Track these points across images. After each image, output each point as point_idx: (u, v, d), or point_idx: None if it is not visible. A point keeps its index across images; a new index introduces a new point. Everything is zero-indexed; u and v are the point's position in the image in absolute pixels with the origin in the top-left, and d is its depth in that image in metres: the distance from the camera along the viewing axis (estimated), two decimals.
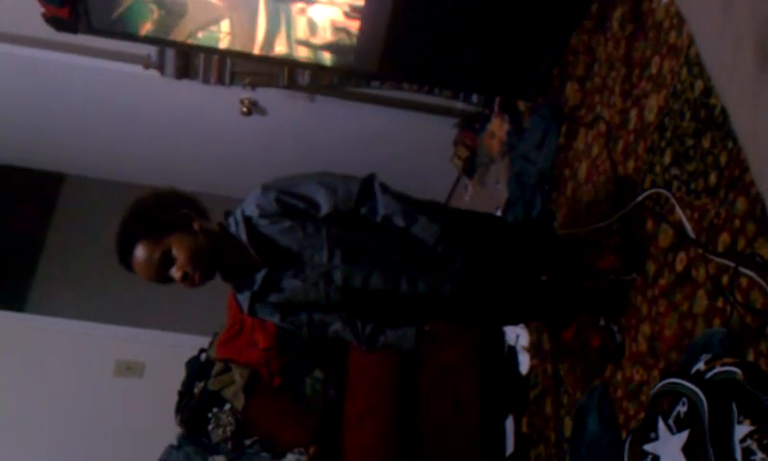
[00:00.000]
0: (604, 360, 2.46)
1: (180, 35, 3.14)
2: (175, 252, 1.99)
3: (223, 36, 3.17)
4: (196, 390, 3.51)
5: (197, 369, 3.62)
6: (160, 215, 2.02)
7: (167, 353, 4.05)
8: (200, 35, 3.16)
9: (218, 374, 3.51)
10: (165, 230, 2.00)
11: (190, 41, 3.20)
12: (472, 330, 3.17)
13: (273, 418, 3.44)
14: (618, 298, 2.43)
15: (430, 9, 3.14)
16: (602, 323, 2.44)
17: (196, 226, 2.03)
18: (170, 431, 3.54)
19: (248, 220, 2.07)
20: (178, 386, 3.62)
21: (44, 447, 4.15)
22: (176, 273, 1.99)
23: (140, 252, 1.99)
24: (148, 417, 3.98)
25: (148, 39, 3.25)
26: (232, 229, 2.09)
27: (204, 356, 3.67)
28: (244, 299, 2.16)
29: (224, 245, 2.07)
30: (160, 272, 2.00)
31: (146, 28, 3.10)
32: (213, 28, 3.14)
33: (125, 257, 2.01)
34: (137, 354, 4.36)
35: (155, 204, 2.06)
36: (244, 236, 2.06)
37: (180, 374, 3.68)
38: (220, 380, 3.50)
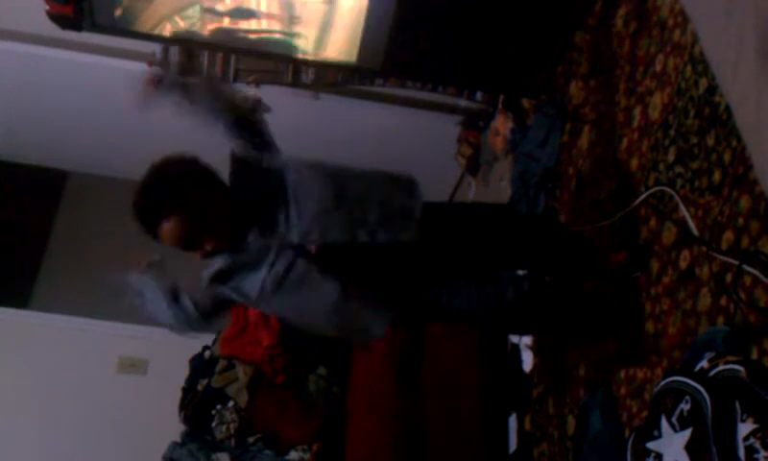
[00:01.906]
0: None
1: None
2: (202, 241, 2.03)
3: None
4: (199, 387, 3.52)
5: (200, 366, 3.63)
6: (195, 191, 2.04)
7: (171, 350, 4.05)
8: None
9: (222, 371, 3.52)
10: (200, 222, 2.03)
11: (194, 38, 3.21)
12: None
13: (276, 415, 3.44)
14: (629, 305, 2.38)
15: (434, 7, 3.14)
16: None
17: (217, 191, 2.06)
18: (174, 428, 3.55)
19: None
20: (181, 383, 3.63)
21: (48, 443, 4.16)
22: (199, 250, 2.04)
23: (170, 226, 2.01)
24: (151, 414, 3.98)
25: (151, 37, 3.25)
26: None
27: (207, 353, 3.68)
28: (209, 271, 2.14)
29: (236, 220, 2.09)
30: (184, 245, 2.04)
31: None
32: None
33: (152, 224, 2.03)
34: (141, 351, 4.37)
35: (189, 177, 2.07)
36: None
37: (184, 370, 3.69)
38: (223, 377, 3.50)
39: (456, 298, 2.23)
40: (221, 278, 2.12)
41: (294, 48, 3.24)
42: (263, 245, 2.07)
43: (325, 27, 3.16)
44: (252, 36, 3.22)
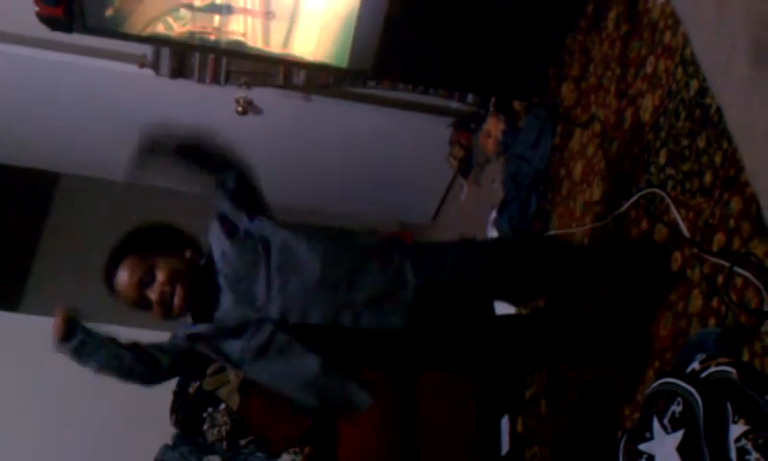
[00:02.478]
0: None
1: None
2: (158, 271, 1.99)
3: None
4: (191, 390, 3.51)
5: None
6: (155, 236, 2.06)
7: None
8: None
9: (213, 373, 3.50)
10: (155, 249, 2.02)
11: (186, 40, 3.20)
12: None
13: (268, 418, 3.43)
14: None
15: (426, 9, 3.14)
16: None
17: (187, 254, 2.04)
18: (165, 431, 3.53)
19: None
20: (172, 386, 3.62)
21: (39, 446, 4.14)
22: (154, 292, 1.99)
23: (125, 267, 2.01)
24: (142, 417, 3.96)
25: (142, 38, 3.24)
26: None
27: None
28: (187, 328, 2.11)
29: (205, 282, 2.05)
30: (140, 290, 2.01)
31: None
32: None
33: (110, 275, 2.04)
34: None
35: (152, 227, 2.09)
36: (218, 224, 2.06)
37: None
38: (215, 380, 3.49)
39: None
40: (200, 339, 2.08)
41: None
42: (242, 315, 2.02)
43: (317, 28, 3.15)
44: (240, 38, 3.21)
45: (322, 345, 2.03)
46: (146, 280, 2.00)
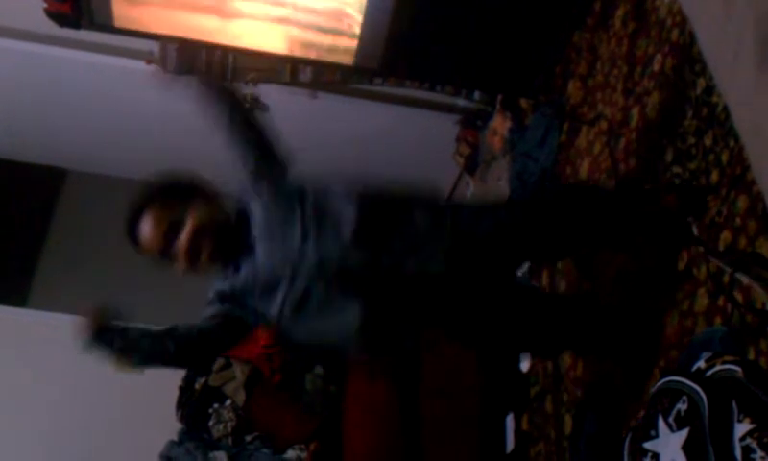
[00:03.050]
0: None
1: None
2: (187, 219, 1.93)
3: None
4: (197, 386, 3.51)
5: None
6: (182, 186, 1.99)
7: None
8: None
9: (219, 369, 3.51)
10: (183, 197, 1.96)
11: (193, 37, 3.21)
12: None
13: (274, 414, 3.44)
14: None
15: (432, 6, 3.14)
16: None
17: (214, 207, 1.99)
18: (171, 427, 3.54)
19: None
20: (179, 381, 3.63)
21: (46, 441, 4.16)
22: (181, 241, 1.92)
23: (151, 215, 1.94)
24: (149, 412, 3.98)
25: (149, 35, 3.25)
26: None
27: None
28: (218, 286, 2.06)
29: (234, 237, 2.00)
30: (167, 238, 1.92)
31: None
32: None
33: (134, 224, 1.95)
34: None
35: (178, 178, 2.02)
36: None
37: (181, 369, 3.68)
38: (221, 376, 3.50)
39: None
40: (229, 299, 2.03)
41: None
42: (277, 265, 1.96)
43: (324, 26, 3.16)
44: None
45: (360, 292, 1.96)
46: (174, 229, 1.93)
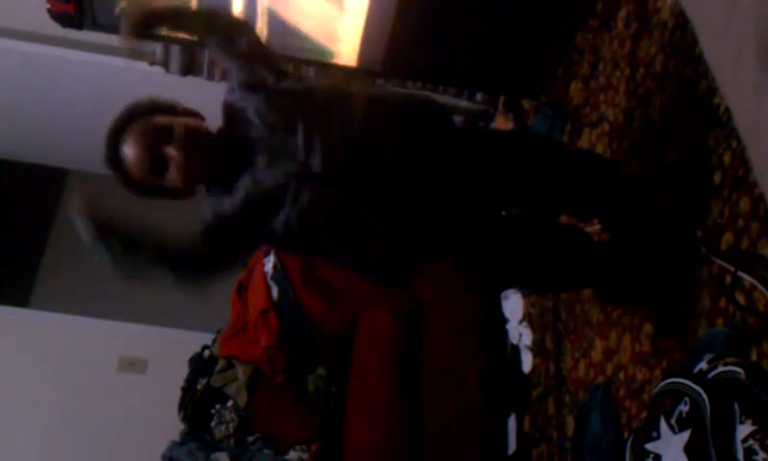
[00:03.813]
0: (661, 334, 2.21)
1: None
2: (174, 129, 1.82)
3: None
4: (199, 386, 3.51)
5: (200, 365, 3.63)
6: (159, 104, 1.91)
7: (170, 350, 4.06)
8: None
9: (221, 370, 3.51)
10: (166, 110, 1.89)
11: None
12: (475, 326, 3.17)
13: (275, 415, 3.44)
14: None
15: (434, 7, 3.14)
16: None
17: (203, 119, 1.92)
18: (173, 427, 3.54)
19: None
20: (181, 383, 3.63)
21: (47, 442, 4.16)
22: (175, 150, 1.80)
23: (135, 132, 1.83)
24: (151, 413, 3.98)
25: (152, 36, 3.25)
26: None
27: (207, 353, 3.67)
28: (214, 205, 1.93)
29: (225, 148, 1.91)
30: (156, 153, 1.81)
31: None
32: None
33: (115, 146, 1.85)
34: (140, 351, 4.37)
35: (157, 98, 1.93)
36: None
37: (183, 370, 3.68)
38: (223, 377, 3.50)
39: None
40: (229, 221, 1.90)
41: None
42: (280, 177, 1.85)
43: (327, 26, 3.16)
44: None
45: (370, 197, 1.87)
46: (162, 137, 1.82)
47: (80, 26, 3.11)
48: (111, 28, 3.16)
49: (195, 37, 2.12)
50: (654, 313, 2.24)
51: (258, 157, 1.87)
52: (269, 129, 1.89)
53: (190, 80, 3.82)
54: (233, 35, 1.99)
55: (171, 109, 1.93)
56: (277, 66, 2.04)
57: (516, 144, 2.18)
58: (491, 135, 2.09)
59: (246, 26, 2.06)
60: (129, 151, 1.84)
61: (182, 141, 1.82)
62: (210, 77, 3.81)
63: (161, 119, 1.86)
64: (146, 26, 1.97)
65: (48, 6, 3.03)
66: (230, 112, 1.97)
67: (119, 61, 3.89)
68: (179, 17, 2.04)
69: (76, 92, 4.20)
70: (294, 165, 1.86)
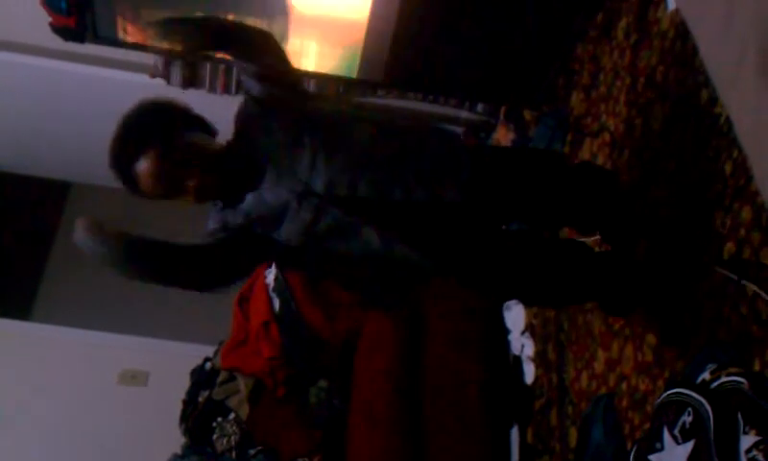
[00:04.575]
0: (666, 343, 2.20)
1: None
2: (190, 154, 1.83)
3: None
4: (200, 399, 3.51)
5: (202, 378, 3.62)
6: (168, 118, 1.87)
7: (172, 362, 4.05)
8: None
9: (223, 383, 3.51)
10: (176, 131, 1.86)
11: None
12: (477, 337, 3.16)
13: (277, 427, 3.43)
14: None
15: (435, 18, 3.14)
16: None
17: (215, 135, 1.92)
18: (174, 440, 3.54)
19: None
20: (182, 395, 3.63)
21: (48, 454, 4.15)
22: (189, 177, 1.83)
23: (148, 164, 1.82)
24: (152, 426, 3.97)
25: (153, 49, 3.26)
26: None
27: (208, 365, 3.67)
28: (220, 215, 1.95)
29: (236, 161, 1.92)
30: (171, 185, 1.84)
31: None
32: None
33: (127, 169, 1.84)
34: (142, 363, 4.37)
35: (164, 106, 1.91)
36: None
37: (185, 382, 3.68)
38: (225, 389, 3.50)
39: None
40: (235, 229, 1.93)
41: None
42: (283, 193, 1.88)
43: (327, 39, 3.17)
44: None
45: (371, 220, 1.90)
46: (176, 174, 1.82)
47: (81, 39, 3.12)
48: (113, 41, 3.18)
49: (214, 50, 2.08)
50: (657, 323, 2.23)
51: (267, 173, 1.91)
52: (278, 146, 1.91)
53: (191, 92, 3.83)
54: (258, 49, 1.99)
55: (183, 120, 1.92)
56: (298, 85, 2.05)
57: (517, 160, 2.20)
58: (492, 152, 2.08)
59: (271, 40, 2.04)
60: (143, 176, 1.85)
61: (198, 175, 1.85)
62: (212, 90, 3.82)
63: (176, 155, 1.84)
64: (167, 33, 1.93)
65: (50, 20, 3.04)
66: (244, 126, 1.97)
67: (120, 74, 3.92)
68: (203, 27, 2.01)
69: (78, 105, 4.21)
70: (298, 184, 1.89)
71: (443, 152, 1.98)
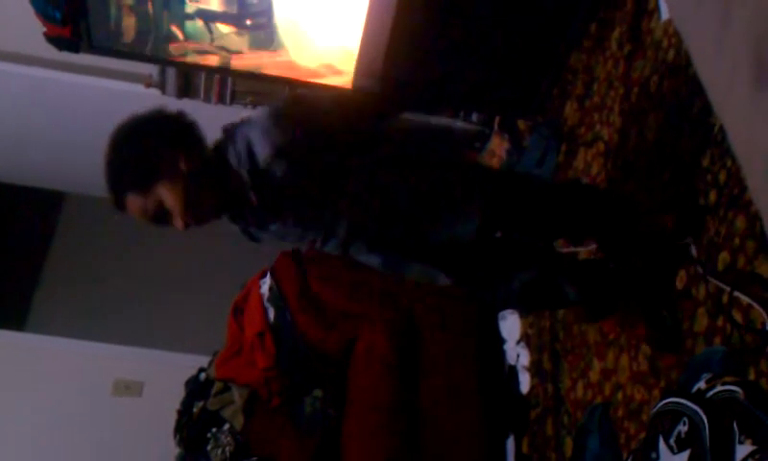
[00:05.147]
0: (658, 350, 2.24)
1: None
2: (167, 203, 1.86)
3: None
4: (195, 410, 3.49)
5: (196, 388, 3.61)
6: (142, 161, 1.87)
7: (166, 373, 4.04)
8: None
9: (217, 393, 3.49)
10: (151, 178, 1.86)
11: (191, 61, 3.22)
12: (472, 347, 3.16)
13: (272, 438, 3.42)
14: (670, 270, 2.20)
15: (430, 28, 3.15)
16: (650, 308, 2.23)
17: (183, 167, 1.87)
18: (169, 451, 3.52)
19: (255, 166, 1.91)
20: (176, 406, 3.61)
21: None
22: (176, 224, 1.89)
23: (132, 204, 1.88)
24: (146, 436, 3.95)
25: (149, 58, 3.26)
26: (233, 160, 1.92)
27: (203, 376, 3.65)
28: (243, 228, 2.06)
29: (221, 177, 1.93)
30: (159, 222, 1.90)
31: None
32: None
33: (119, 206, 1.90)
34: (136, 373, 4.35)
35: (135, 147, 1.90)
36: (246, 176, 1.92)
37: (179, 393, 3.67)
38: (219, 400, 3.48)
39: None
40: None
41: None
42: (309, 234, 2.03)
43: (323, 48, 3.17)
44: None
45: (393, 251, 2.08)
46: (160, 213, 1.88)
47: (76, 49, 3.11)
48: (107, 51, 3.17)
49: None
50: (650, 329, 2.24)
51: (290, 212, 2.00)
52: (302, 204, 1.99)
53: (186, 102, 3.83)
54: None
55: (158, 162, 1.89)
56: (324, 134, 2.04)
57: (504, 187, 2.25)
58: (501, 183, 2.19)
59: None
60: (129, 209, 1.91)
61: (182, 222, 1.89)
62: (207, 99, 3.82)
63: (149, 200, 1.87)
64: None
65: (44, 30, 3.04)
66: (265, 177, 1.95)
67: (115, 84, 3.92)
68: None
69: (72, 115, 4.21)
70: (321, 230, 2.02)
71: (458, 194, 2.05)
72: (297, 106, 2.05)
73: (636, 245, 2.30)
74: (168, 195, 1.86)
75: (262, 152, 1.91)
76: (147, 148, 1.89)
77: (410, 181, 2.03)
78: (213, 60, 3.17)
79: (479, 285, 2.23)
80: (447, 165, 2.15)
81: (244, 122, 2.02)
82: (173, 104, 3.82)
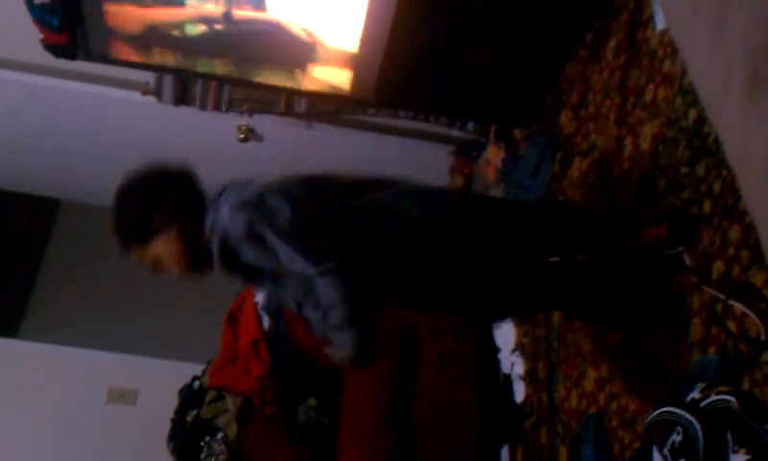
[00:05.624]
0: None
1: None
2: (163, 260, 2.10)
3: None
4: (189, 418, 3.48)
5: (190, 396, 3.60)
6: (140, 222, 2.09)
7: (160, 381, 4.03)
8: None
9: (211, 401, 3.48)
10: (148, 235, 2.08)
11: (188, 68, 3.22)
12: (467, 356, 3.16)
13: (266, 446, 3.41)
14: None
15: (426, 38, 3.16)
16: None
17: (176, 229, 2.09)
18: (163, 459, 3.51)
19: (223, 242, 2.08)
20: (170, 414, 3.60)
21: None
22: (171, 274, 2.14)
23: (134, 256, 2.12)
24: (140, 444, 3.94)
25: (145, 66, 3.26)
26: (206, 231, 2.10)
27: (197, 384, 3.64)
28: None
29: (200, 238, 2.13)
30: (158, 272, 2.13)
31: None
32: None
33: (123, 252, 2.13)
34: (130, 381, 4.34)
35: (134, 208, 2.12)
36: (215, 249, 2.09)
37: (173, 401, 3.65)
38: (213, 408, 3.47)
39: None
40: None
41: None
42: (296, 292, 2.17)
43: (319, 57, 3.17)
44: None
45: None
46: (158, 266, 2.12)
47: (73, 56, 3.11)
48: (104, 58, 3.17)
49: None
50: (638, 340, 2.29)
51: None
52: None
53: (183, 109, 3.83)
54: None
55: (157, 218, 2.10)
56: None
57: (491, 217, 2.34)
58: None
59: None
60: (133, 259, 2.14)
61: (179, 272, 2.15)
62: (203, 107, 3.82)
63: (147, 255, 2.11)
64: None
65: (41, 36, 3.04)
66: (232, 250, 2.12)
67: (112, 91, 3.92)
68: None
69: (69, 122, 4.20)
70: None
71: (435, 245, 2.19)
72: None
73: (623, 259, 2.37)
74: (164, 253, 2.10)
75: (234, 230, 2.08)
76: (146, 206, 2.11)
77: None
78: None
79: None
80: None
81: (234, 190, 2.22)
82: (169, 111, 3.82)
